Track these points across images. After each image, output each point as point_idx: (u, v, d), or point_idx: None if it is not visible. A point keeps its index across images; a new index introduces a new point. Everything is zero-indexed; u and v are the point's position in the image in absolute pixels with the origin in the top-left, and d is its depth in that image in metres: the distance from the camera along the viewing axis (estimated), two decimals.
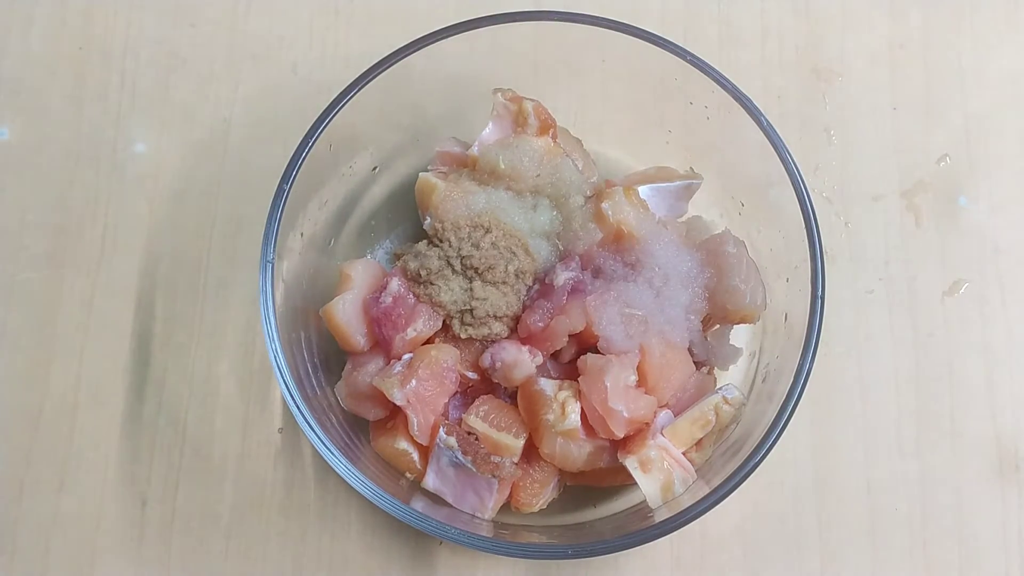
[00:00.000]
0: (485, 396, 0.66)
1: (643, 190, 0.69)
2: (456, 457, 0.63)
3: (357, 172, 0.72)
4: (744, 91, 0.65)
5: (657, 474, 0.63)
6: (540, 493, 0.66)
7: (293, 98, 0.80)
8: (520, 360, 0.64)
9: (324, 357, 0.69)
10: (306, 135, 0.64)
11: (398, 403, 0.63)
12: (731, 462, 0.62)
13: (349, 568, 0.71)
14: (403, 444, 0.65)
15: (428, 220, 0.68)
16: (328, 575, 0.71)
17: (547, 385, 0.64)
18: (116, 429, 0.73)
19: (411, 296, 0.65)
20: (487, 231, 0.65)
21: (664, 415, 0.64)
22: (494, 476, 0.64)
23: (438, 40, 0.66)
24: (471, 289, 0.65)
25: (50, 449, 0.73)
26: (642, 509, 0.65)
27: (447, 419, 0.65)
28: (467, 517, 0.65)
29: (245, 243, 0.76)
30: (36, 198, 0.77)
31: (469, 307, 0.65)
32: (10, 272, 0.76)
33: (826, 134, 0.80)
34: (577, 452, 0.64)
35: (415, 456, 0.66)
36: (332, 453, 0.60)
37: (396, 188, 0.74)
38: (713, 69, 0.65)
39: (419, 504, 0.64)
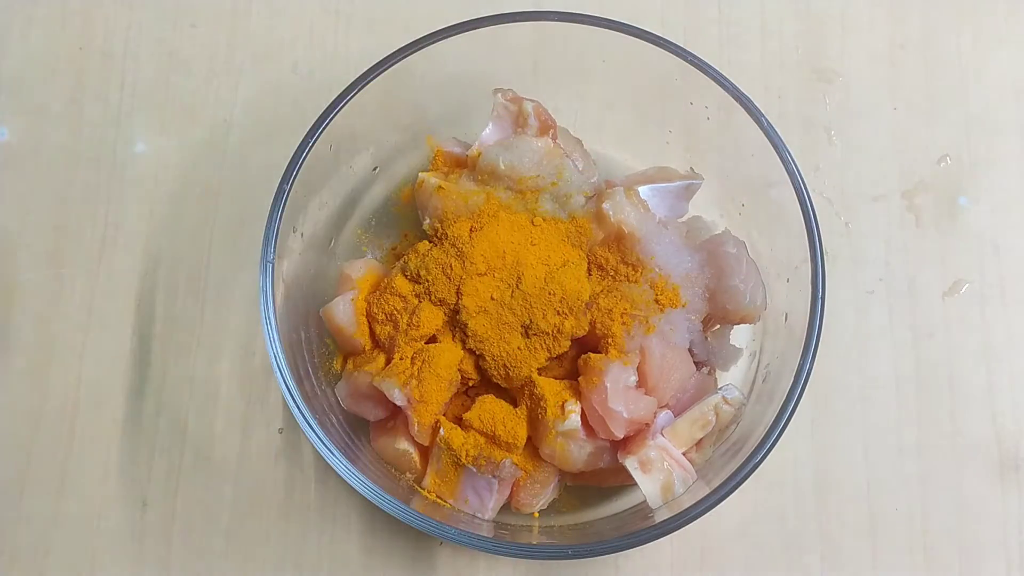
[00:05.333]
0: (485, 396, 0.66)
1: (643, 190, 0.69)
2: (456, 457, 0.63)
3: (357, 172, 0.72)
4: (744, 91, 0.65)
5: (657, 474, 0.63)
6: (540, 493, 0.66)
7: (293, 98, 0.80)
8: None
9: (324, 357, 0.69)
10: (306, 135, 0.64)
11: (398, 403, 0.63)
12: (731, 462, 0.62)
13: (349, 568, 0.71)
14: (403, 444, 0.65)
15: (428, 220, 0.68)
16: (328, 575, 0.71)
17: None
18: (116, 429, 0.73)
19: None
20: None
21: (664, 415, 0.64)
22: (494, 476, 0.64)
23: (438, 40, 0.66)
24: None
25: (50, 449, 0.73)
26: (642, 509, 0.65)
27: (447, 419, 0.65)
28: (467, 517, 0.65)
29: (245, 243, 0.76)
30: (36, 198, 0.77)
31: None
32: (10, 272, 0.76)
33: (826, 134, 0.80)
34: (577, 452, 0.64)
35: (415, 456, 0.66)
36: (332, 453, 0.60)
37: (396, 188, 0.74)
38: (713, 69, 0.66)
39: (419, 504, 0.64)
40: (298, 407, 0.61)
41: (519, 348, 0.64)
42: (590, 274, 0.66)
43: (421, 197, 0.69)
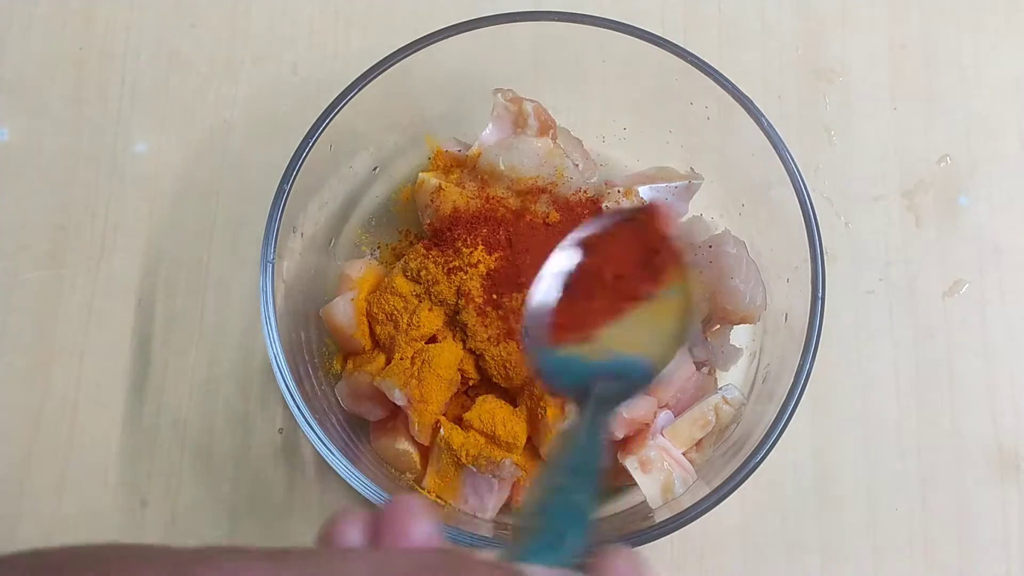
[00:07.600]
0: (485, 396, 0.66)
1: (643, 190, 0.69)
2: (456, 457, 0.63)
3: (357, 172, 0.72)
4: (744, 91, 0.65)
5: (657, 474, 0.63)
6: None
7: (293, 98, 0.80)
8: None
9: (324, 357, 0.69)
10: (306, 135, 0.64)
11: (398, 403, 0.63)
12: (731, 462, 0.62)
13: None
14: (403, 444, 0.65)
15: (428, 220, 0.67)
16: None
17: None
18: (116, 429, 0.73)
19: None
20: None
21: (664, 415, 0.64)
22: (494, 476, 0.64)
23: (438, 40, 0.66)
24: None
25: (50, 449, 0.73)
26: (642, 509, 0.65)
27: (447, 419, 0.65)
28: (467, 517, 0.65)
29: (245, 243, 0.76)
30: (36, 198, 0.77)
31: None
32: (10, 272, 0.76)
33: (826, 134, 0.80)
34: None
35: (415, 456, 0.66)
36: (332, 453, 0.60)
37: (396, 188, 0.74)
38: (713, 69, 0.65)
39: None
40: (298, 407, 0.61)
41: (519, 348, 0.64)
42: None
43: (421, 197, 0.69)
